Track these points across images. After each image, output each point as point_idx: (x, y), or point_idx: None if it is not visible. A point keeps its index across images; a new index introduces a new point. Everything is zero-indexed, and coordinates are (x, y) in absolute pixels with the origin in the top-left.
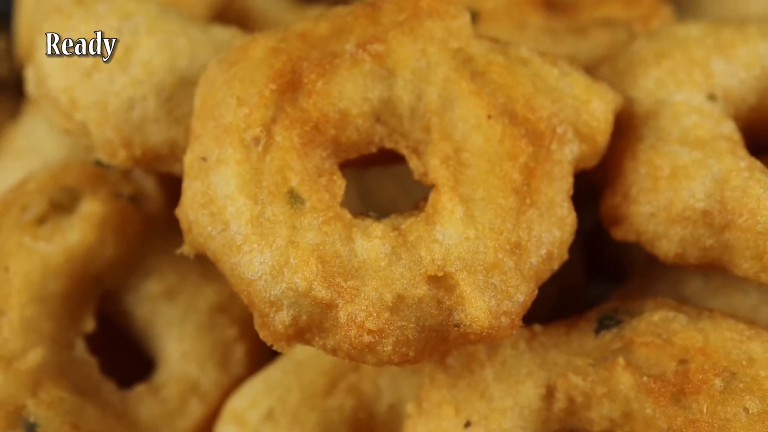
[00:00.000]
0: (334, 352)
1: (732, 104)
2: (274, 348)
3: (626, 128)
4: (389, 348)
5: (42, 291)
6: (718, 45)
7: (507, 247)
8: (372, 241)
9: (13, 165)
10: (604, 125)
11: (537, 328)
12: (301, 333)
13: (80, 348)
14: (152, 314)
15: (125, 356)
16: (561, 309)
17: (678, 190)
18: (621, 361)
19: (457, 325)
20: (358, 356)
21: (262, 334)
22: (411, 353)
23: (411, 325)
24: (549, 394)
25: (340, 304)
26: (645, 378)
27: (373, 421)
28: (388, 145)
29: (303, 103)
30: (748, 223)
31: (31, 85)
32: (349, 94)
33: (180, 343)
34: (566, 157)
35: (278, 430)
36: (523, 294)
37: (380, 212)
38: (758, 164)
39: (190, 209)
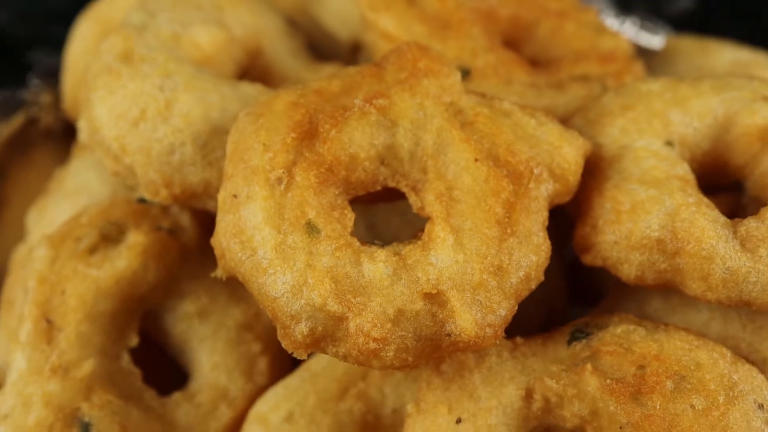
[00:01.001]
0: (345, 358)
1: (687, 149)
2: (294, 355)
3: (595, 169)
4: (391, 354)
5: (94, 310)
6: (675, 99)
7: (491, 269)
8: (377, 264)
9: (65, 203)
10: (574, 167)
11: (519, 340)
12: (317, 342)
13: (126, 360)
14: (187, 331)
15: (163, 369)
16: (546, 327)
17: (637, 221)
18: (589, 366)
19: (448, 335)
20: (365, 361)
21: (284, 344)
22: (410, 359)
23: (410, 335)
24: (528, 396)
25: (350, 317)
26: (608, 381)
27: (379, 423)
28: (391, 184)
29: (319, 149)
30: (694, 249)
31: (83, 135)
32: (357, 141)
33: (211, 356)
34: (542, 194)
35: (297, 430)
36: (504, 309)
37: (385, 241)
38: (705, 200)
39: (223, 238)
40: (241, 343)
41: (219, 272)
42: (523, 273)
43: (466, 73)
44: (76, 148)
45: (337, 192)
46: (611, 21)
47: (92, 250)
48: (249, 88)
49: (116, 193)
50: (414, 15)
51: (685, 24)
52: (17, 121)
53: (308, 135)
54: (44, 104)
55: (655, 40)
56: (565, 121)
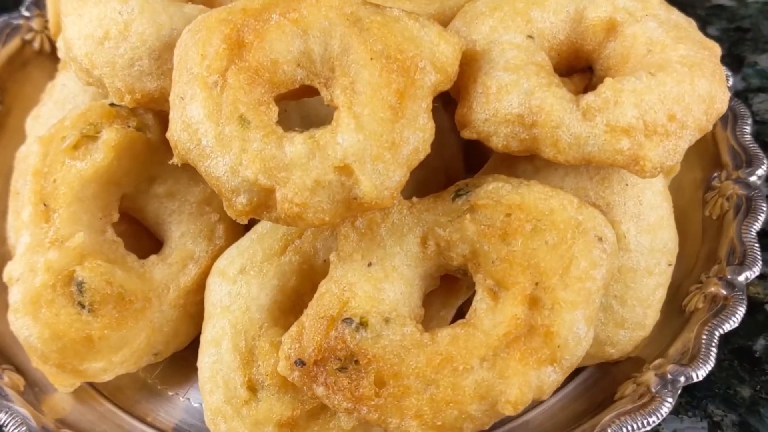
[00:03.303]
0: (277, 221)
1: (546, 40)
2: (238, 221)
3: (470, 61)
4: (311, 215)
5: (80, 194)
6: (535, 0)
7: (386, 145)
8: (296, 146)
9: (55, 110)
10: (452, 60)
11: (414, 199)
12: (255, 210)
13: (110, 232)
14: (159, 208)
15: (141, 239)
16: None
17: (501, 101)
18: (468, 216)
19: (355, 198)
20: (293, 222)
21: (229, 213)
22: (326, 218)
23: (325, 200)
24: (423, 242)
25: (277, 189)
26: (482, 227)
27: (313, 271)
28: (306, 82)
29: (246, 56)
30: (545, 120)
31: (61, 52)
32: (277, 48)
33: (179, 227)
34: (426, 83)
35: (249, 279)
36: (398, 176)
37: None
38: (555, 80)
39: (175, 132)
40: (202, 214)
41: (175, 160)
42: (412, 147)
43: None
44: (61, 65)
45: (263, 91)
46: None
47: (76, 147)
48: (193, 9)
49: (96, 100)
50: None
51: None
52: (14, 43)
53: (237, 45)
54: (35, 29)
55: None
56: (449, 21)
